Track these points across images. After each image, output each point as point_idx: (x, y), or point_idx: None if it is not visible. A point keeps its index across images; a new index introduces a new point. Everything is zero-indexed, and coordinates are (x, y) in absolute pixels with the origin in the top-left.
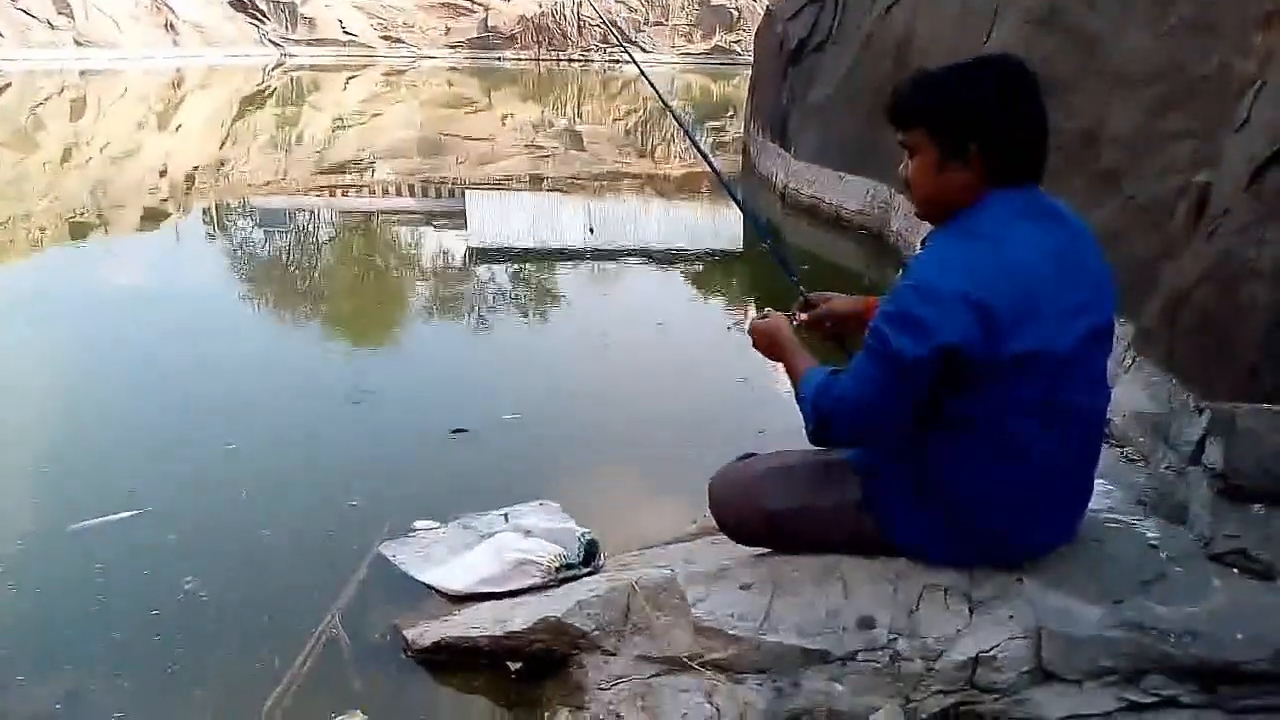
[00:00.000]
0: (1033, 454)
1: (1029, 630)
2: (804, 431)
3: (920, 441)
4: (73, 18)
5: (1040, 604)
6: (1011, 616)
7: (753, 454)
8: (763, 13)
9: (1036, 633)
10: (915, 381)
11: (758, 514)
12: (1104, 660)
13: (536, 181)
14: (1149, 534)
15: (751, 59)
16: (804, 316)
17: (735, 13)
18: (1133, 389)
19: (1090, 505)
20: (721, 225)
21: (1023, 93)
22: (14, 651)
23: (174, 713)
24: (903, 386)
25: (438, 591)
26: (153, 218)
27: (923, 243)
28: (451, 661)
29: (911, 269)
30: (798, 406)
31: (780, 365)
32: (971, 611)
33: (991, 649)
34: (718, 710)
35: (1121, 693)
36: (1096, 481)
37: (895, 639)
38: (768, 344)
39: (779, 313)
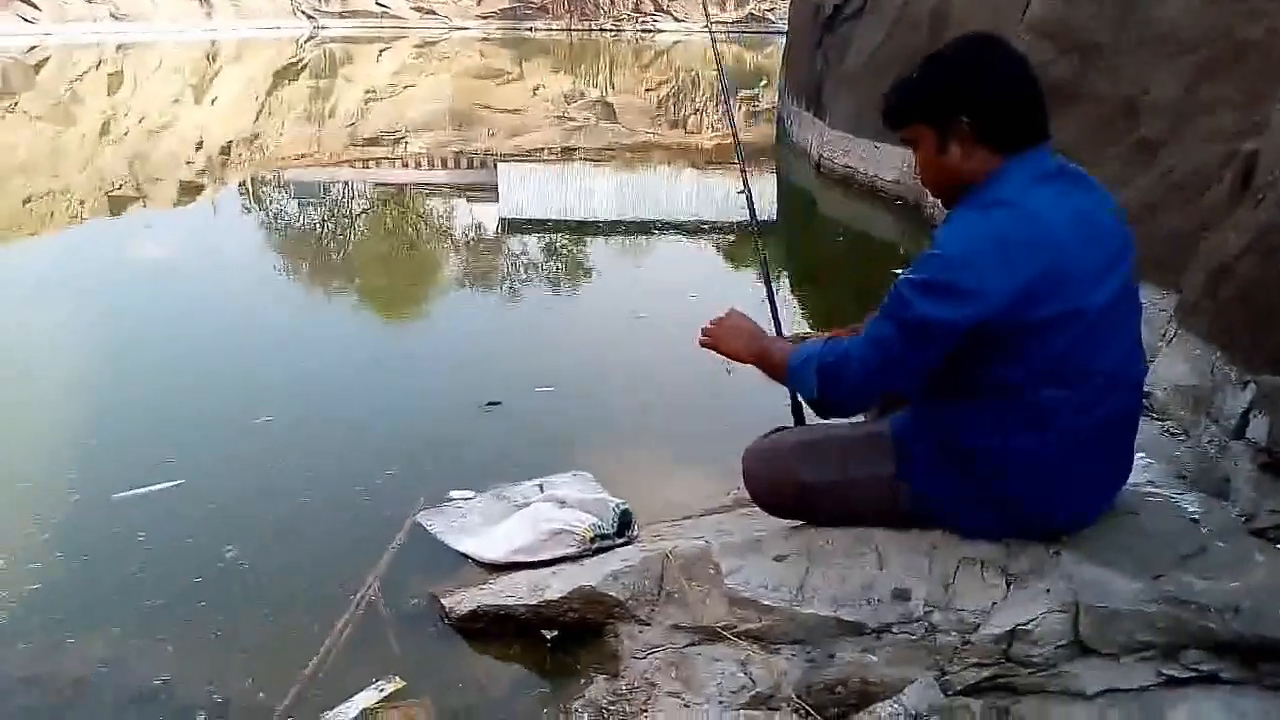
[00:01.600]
0: (1064, 421)
1: (1066, 604)
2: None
3: (952, 411)
4: None
5: (1078, 577)
6: (1048, 590)
7: (786, 426)
8: None
9: (1074, 606)
10: (934, 347)
11: (791, 486)
12: (1142, 634)
13: (568, 153)
14: (1190, 508)
15: (785, 27)
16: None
17: None
18: (1174, 361)
19: (1130, 479)
20: (754, 195)
21: (994, 58)
22: (63, 615)
23: (216, 677)
24: (919, 351)
25: (473, 560)
26: (189, 191)
27: (947, 217)
28: (488, 629)
29: (935, 239)
30: (790, 381)
31: (746, 362)
32: (1008, 584)
33: (1028, 622)
34: (752, 679)
35: (1160, 667)
36: (1136, 455)
37: (930, 611)
38: (737, 337)
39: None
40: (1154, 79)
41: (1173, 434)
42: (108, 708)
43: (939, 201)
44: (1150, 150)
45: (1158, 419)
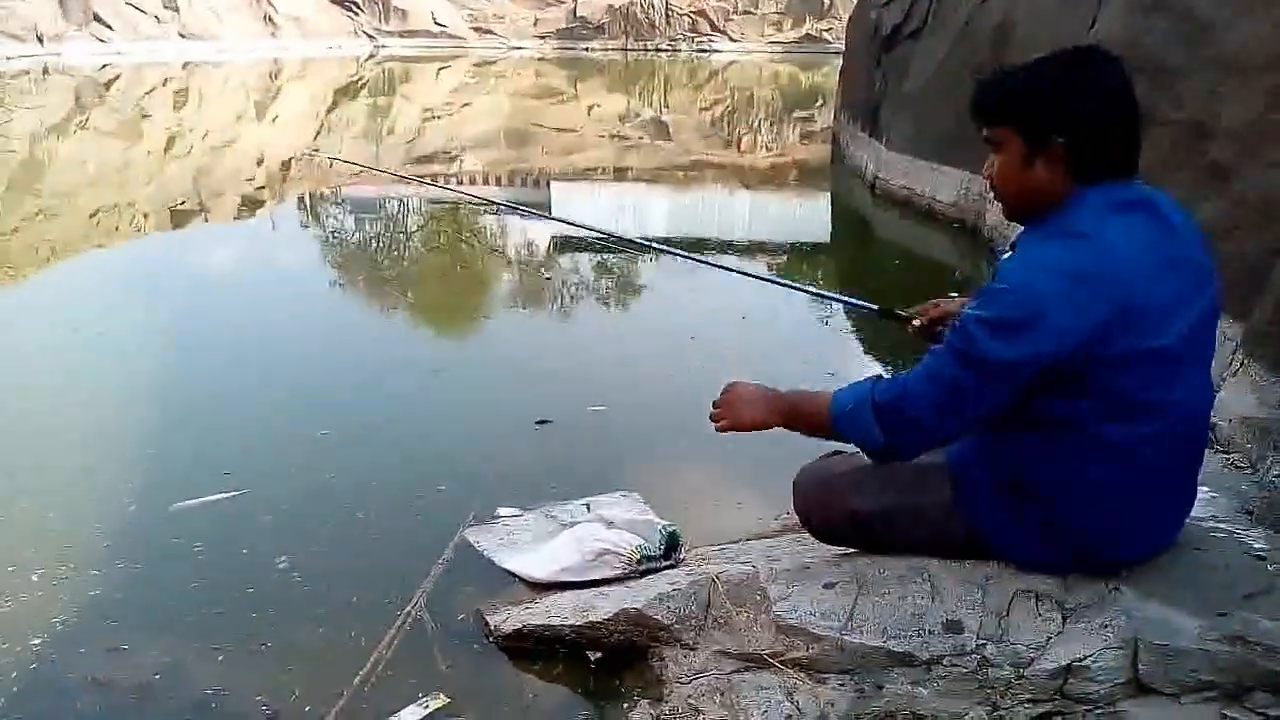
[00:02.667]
0: (1130, 456)
1: (1125, 640)
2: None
3: (1014, 442)
4: (178, 11)
5: (1138, 613)
6: (1106, 625)
7: (840, 452)
8: (855, 0)
9: (1133, 643)
10: (1003, 386)
11: (843, 513)
12: (1205, 674)
13: (621, 172)
14: (1255, 544)
15: (842, 47)
16: (918, 322)
17: (827, 1)
18: (1240, 392)
19: (1192, 513)
20: (808, 216)
21: (1111, 84)
22: (119, 622)
23: (266, 687)
24: (983, 390)
25: (520, 578)
26: (249, 205)
27: (1012, 245)
28: (533, 649)
29: (1003, 271)
30: (839, 428)
31: (773, 426)
32: (1064, 619)
33: (1085, 658)
34: (798, 709)
35: (1223, 709)
36: (1200, 488)
37: (984, 644)
38: (751, 405)
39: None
40: (1225, 102)
41: (1238, 467)
42: (164, 715)
43: (1000, 215)
44: (1220, 175)
45: (1222, 451)
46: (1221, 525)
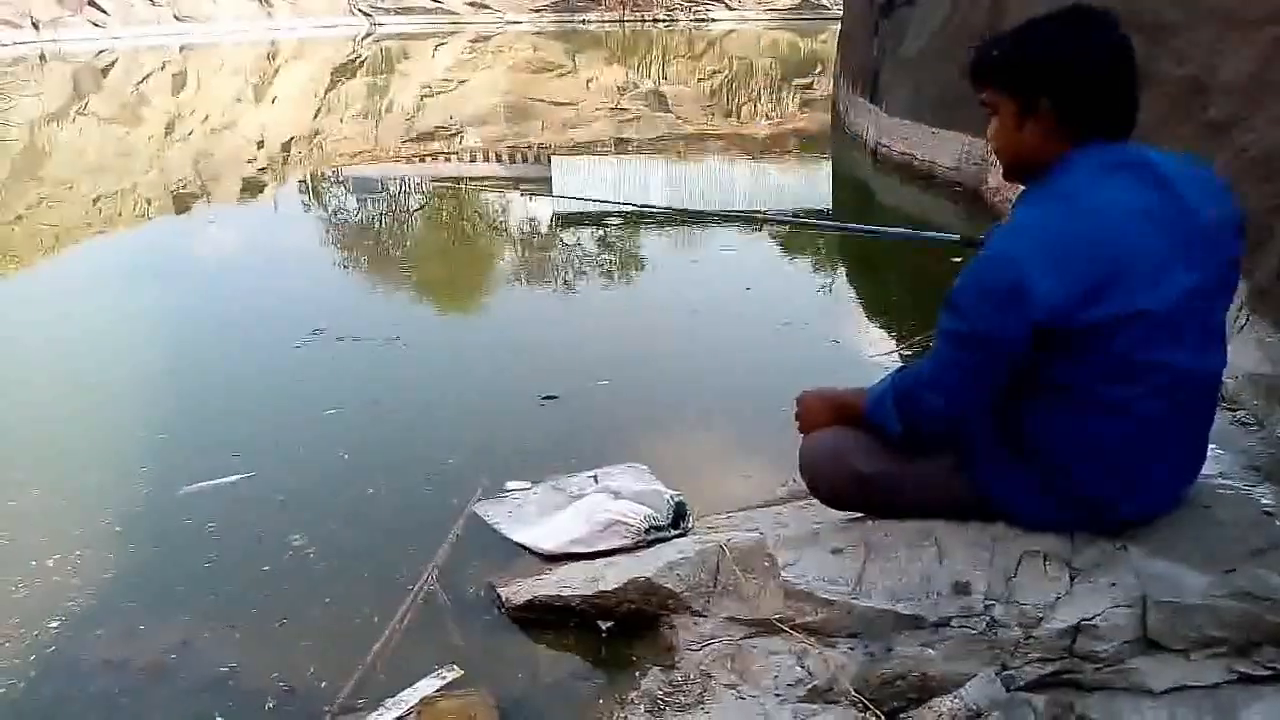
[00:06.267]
0: (1130, 415)
1: (1133, 598)
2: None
3: (1015, 403)
4: None
5: (1145, 571)
6: (1114, 584)
7: None
8: None
9: (1141, 600)
10: (997, 359)
11: (850, 477)
12: (1213, 630)
13: (621, 145)
14: (1263, 500)
15: (840, 13)
16: None
17: None
18: (1246, 349)
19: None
20: (809, 184)
21: (1101, 44)
22: (133, 603)
23: (281, 663)
24: (983, 365)
25: (529, 551)
26: (251, 188)
27: (1011, 208)
28: (544, 619)
29: (990, 239)
30: (871, 422)
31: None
32: (1072, 578)
33: (1093, 617)
34: (809, 673)
35: (1232, 664)
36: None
37: (992, 605)
38: (817, 413)
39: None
40: (1224, 57)
41: (1245, 424)
42: (179, 693)
43: (1001, 178)
44: (1221, 131)
45: (1229, 409)
46: (1229, 482)
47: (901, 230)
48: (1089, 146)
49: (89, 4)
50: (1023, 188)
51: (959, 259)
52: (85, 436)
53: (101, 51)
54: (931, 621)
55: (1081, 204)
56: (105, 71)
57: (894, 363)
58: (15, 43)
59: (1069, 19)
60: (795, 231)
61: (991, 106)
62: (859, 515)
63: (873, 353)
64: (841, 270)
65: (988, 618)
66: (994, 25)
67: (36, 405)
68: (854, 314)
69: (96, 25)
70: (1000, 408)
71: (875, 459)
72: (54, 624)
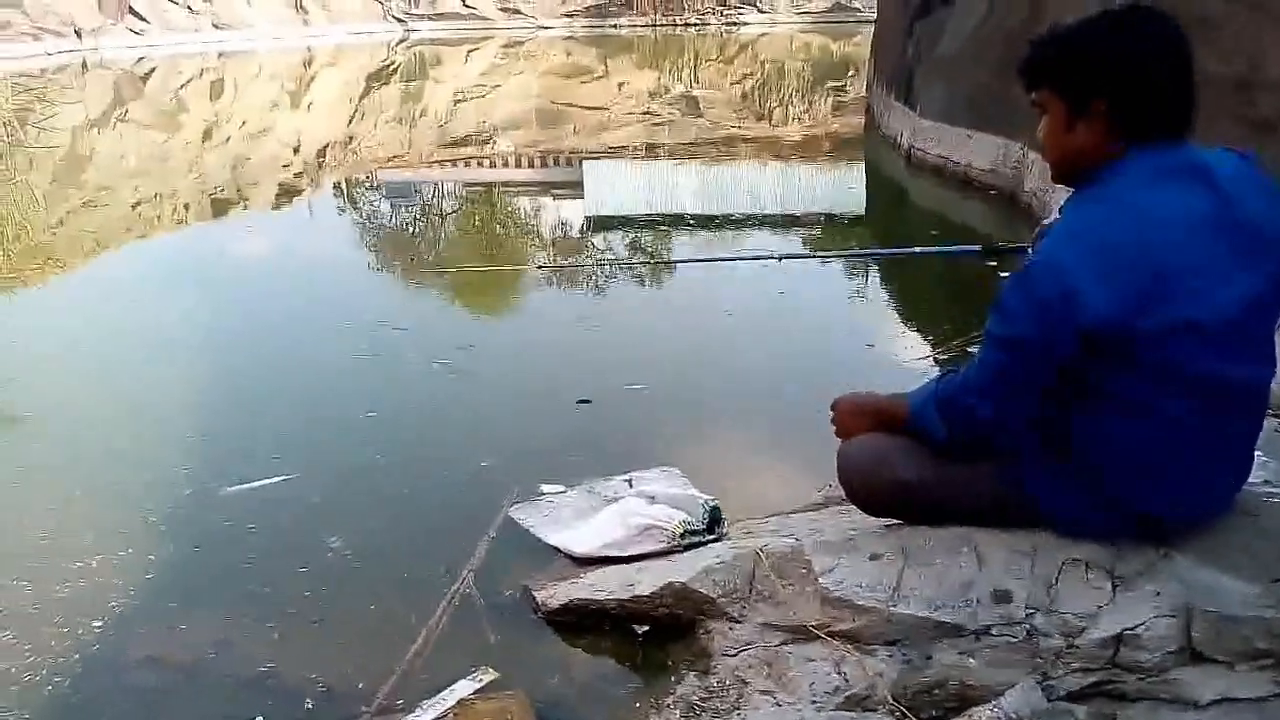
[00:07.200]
0: (1179, 427)
1: (1177, 608)
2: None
3: (1062, 408)
4: (210, 1)
5: (1190, 580)
6: (1158, 593)
7: None
8: None
9: (1185, 610)
10: (1044, 365)
11: (889, 483)
12: (1259, 642)
13: (653, 149)
14: None
15: (873, 15)
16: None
17: None
18: None
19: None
20: (843, 187)
21: (1154, 44)
22: (175, 601)
23: (319, 663)
24: (1029, 372)
25: (564, 554)
26: (287, 193)
27: (1060, 210)
28: (579, 623)
29: (1041, 244)
30: (915, 427)
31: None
32: (1115, 587)
33: (1136, 626)
34: (846, 680)
35: (1277, 677)
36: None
37: (1032, 614)
38: (857, 416)
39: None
40: (1269, 55)
41: None
42: (217, 691)
43: (1039, 180)
44: (1266, 129)
45: (1275, 414)
46: (1275, 490)
47: (918, 249)
48: (1144, 149)
49: (129, 12)
50: (1071, 190)
51: (994, 262)
52: (128, 438)
53: (141, 59)
54: (971, 630)
55: (1135, 210)
56: (145, 78)
57: (930, 367)
58: (60, 50)
59: (1124, 18)
60: (827, 235)
61: (1041, 107)
62: (896, 521)
63: (909, 357)
64: (875, 274)
65: (1028, 626)
66: (1031, 27)
67: (79, 408)
68: (889, 318)
69: (136, 33)
70: (1047, 413)
71: (916, 465)
72: (96, 622)
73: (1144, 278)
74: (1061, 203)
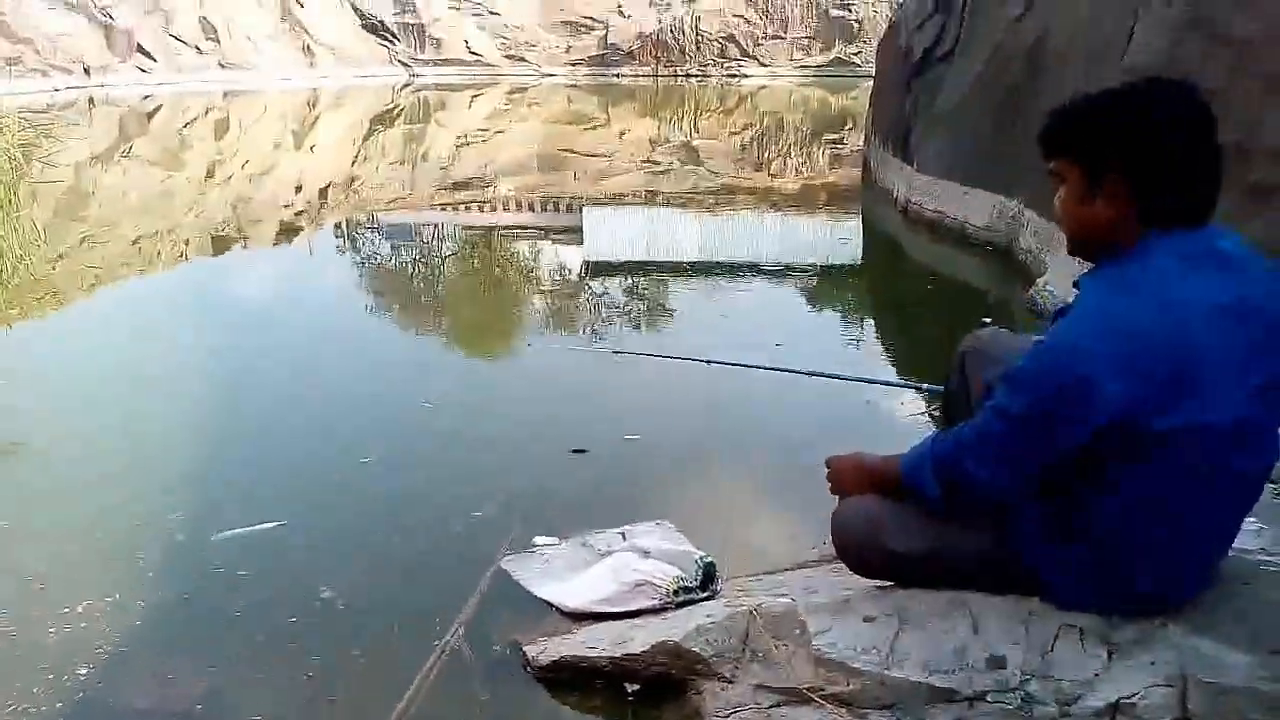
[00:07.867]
0: (1186, 517)
1: (1173, 677)
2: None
3: (1065, 487)
4: (218, 42)
5: (1186, 649)
6: (1154, 662)
7: None
8: (885, 23)
9: (1181, 680)
10: (1045, 446)
11: (881, 554)
12: (1256, 714)
13: (652, 196)
14: None
15: (871, 70)
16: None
17: (856, 24)
18: None
19: (1241, 545)
20: (839, 238)
21: (1176, 118)
22: (163, 650)
23: (308, 715)
24: (1030, 449)
25: (556, 608)
26: (288, 232)
27: (1075, 284)
28: (570, 680)
29: (1056, 326)
30: (907, 486)
31: (875, 492)
32: (1110, 655)
33: (1132, 695)
34: None
35: None
36: (1247, 519)
37: (1027, 680)
38: (853, 476)
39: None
40: (1265, 122)
41: None
42: None
43: (1032, 239)
44: (1263, 195)
45: (1270, 481)
46: (1272, 558)
47: (873, 379)
48: (1171, 233)
49: (138, 50)
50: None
51: (994, 303)
52: (118, 482)
53: (148, 96)
54: (965, 695)
55: (1160, 301)
56: (150, 116)
57: (928, 421)
58: (68, 87)
59: (1145, 88)
60: (824, 282)
61: (1059, 176)
62: (890, 583)
63: (908, 412)
64: (871, 323)
65: (1023, 693)
66: (1028, 85)
67: (68, 450)
68: (886, 368)
69: (144, 71)
70: (1049, 491)
71: (909, 537)
72: (83, 671)
73: (1163, 374)
74: (1053, 259)
